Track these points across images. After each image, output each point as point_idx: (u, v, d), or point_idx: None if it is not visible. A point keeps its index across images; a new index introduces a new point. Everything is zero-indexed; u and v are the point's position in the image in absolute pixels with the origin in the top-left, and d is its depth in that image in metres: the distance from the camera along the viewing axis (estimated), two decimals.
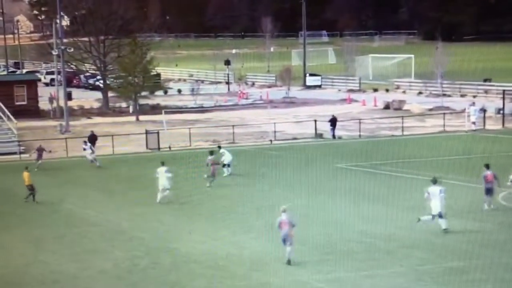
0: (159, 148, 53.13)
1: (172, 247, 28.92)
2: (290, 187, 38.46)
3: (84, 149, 47.62)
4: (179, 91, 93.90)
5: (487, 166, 33.98)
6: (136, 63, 70.73)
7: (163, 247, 29.00)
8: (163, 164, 37.24)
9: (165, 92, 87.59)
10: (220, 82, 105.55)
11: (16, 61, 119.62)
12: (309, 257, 26.94)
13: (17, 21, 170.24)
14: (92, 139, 51.59)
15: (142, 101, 72.76)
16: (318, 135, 56.52)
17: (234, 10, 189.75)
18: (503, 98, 62.19)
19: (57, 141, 54.05)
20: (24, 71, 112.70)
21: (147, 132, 54.95)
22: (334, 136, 55.69)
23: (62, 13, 75.55)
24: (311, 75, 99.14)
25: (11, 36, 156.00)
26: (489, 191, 33.22)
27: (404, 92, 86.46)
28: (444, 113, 62.34)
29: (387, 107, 72.45)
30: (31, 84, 74.41)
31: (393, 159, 44.91)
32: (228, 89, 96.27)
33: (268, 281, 24.73)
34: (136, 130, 59.19)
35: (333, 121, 56.18)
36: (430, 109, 69.60)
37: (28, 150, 53.19)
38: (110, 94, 77.61)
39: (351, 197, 35.83)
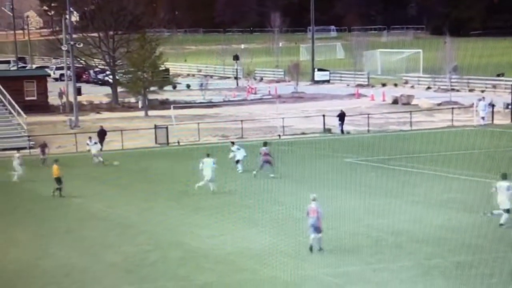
0: (168, 143, 53.35)
1: (181, 241, 29.09)
2: (298, 182, 38.60)
3: (88, 145, 47.32)
4: (188, 86, 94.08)
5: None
6: (145, 58, 70.92)
7: (172, 241, 29.18)
8: (208, 155, 37.73)
9: (174, 87, 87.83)
10: (228, 77, 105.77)
11: (20, 56, 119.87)
12: (317, 251, 27.03)
13: (27, 16, 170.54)
14: (101, 134, 51.88)
15: (151, 96, 73.00)
16: (327, 130, 56.62)
17: (243, 5, 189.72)
18: None
19: (66, 136, 54.30)
20: (34, 66, 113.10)
21: (156, 127, 55.16)
22: (342, 131, 55.77)
23: (71, 9, 75.74)
24: (319, 70, 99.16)
25: (21, 31, 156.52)
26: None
27: (412, 87, 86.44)
28: (452, 108, 62.32)
29: (395, 102, 72.49)
30: (41, 79, 74.73)
31: (401, 154, 45.08)
32: (237, 84, 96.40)
33: (276, 275, 24.86)
34: (145, 125, 59.43)
35: (342, 116, 56.25)
36: (439, 104, 69.61)
37: (38, 145, 53.43)
38: (119, 89, 77.88)
39: (359, 191, 35.95)
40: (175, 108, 64.79)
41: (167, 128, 54.43)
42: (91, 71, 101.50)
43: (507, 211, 29.70)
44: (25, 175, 41.93)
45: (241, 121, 58.05)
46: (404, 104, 70.70)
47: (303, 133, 56.02)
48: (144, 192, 37.91)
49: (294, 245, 27.88)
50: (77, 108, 65.83)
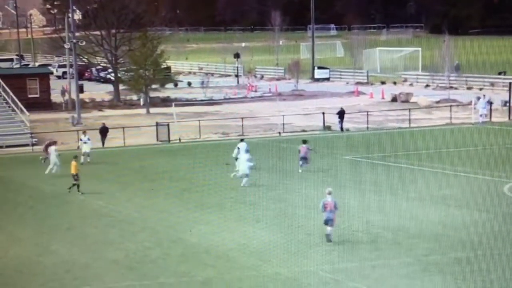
0: (169, 140, 53.64)
1: (182, 238, 29.35)
2: (298, 179, 38.89)
3: (81, 140, 46.76)
4: (189, 84, 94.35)
5: None
6: (147, 56, 71.19)
7: (173, 238, 29.45)
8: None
9: (175, 85, 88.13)
10: (229, 75, 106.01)
11: (18, 54, 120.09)
12: (317, 247, 27.36)
13: (30, 15, 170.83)
14: (103, 131, 52.20)
15: (152, 94, 73.27)
16: (326, 127, 56.92)
17: (244, 4, 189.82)
18: (510, 91, 62.39)
19: (68, 133, 54.62)
20: (37, 64, 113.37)
21: (157, 124, 55.44)
22: (342, 128, 56.08)
23: (74, 7, 76.05)
24: (319, 68, 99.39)
25: (24, 30, 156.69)
26: None
27: (411, 84, 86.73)
28: (450, 106, 62.66)
29: (394, 99, 72.79)
30: (44, 77, 75.03)
31: (400, 151, 45.34)
32: (237, 82, 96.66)
33: (277, 272, 25.10)
34: (146, 123, 59.69)
35: (341, 114, 56.54)
36: (437, 102, 69.88)
37: (41, 142, 53.79)
38: (121, 87, 78.16)
39: (358, 188, 36.24)
40: (176, 105, 65.09)
41: (168, 125, 54.71)
42: (93, 69, 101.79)
43: None
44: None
45: (242, 118, 58.35)
46: (403, 101, 70.99)
47: (303, 131, 56.33)
48: (145, 189, 38.15)
49: (294, 241, 28.16)
50: (80, 105, 66.13)
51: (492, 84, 78.76)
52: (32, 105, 64.94)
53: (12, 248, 28.95)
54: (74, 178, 37.42)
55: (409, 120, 58.08)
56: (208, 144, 52.62)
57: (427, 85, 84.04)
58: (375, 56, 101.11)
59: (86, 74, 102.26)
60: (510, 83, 65.67)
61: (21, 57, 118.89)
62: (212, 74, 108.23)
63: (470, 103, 60.61)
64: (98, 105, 76.37)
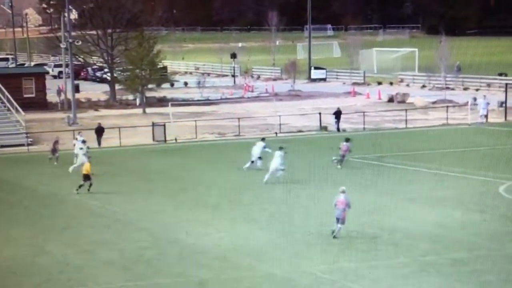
0: (165, 140, 53.55)
1: (178, 238, 29.26)
2: (295, 179, 38.81)
3: (77, 139, 46.37)
4: (186, 84, 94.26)
5: None
6: (143, 56, 71.07)
7: (169, 238, 29.36)
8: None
9: (172, 85, 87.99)
10: (226, 75, 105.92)
11: (8, 54, 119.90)
12: (314, 248, 27.29)
13: (26, 14, 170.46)
14: (99, 131, 52.07)
15: (148, 94, 73.16)
16: (323, 128, 56.87)
17: (240, 3, 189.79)
18: (506, 92, 62.46)
19: (64, 133, 54.46)
20: (33, 63, 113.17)
21: (153, 125, 55.34)
22: (338, 129, 56.02)
23: (70, 7, 75.89)
24: (316, 68, 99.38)
25: (19, 29, 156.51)
26: None
27: (407, 85, 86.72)
28: (447, 106, 62.63)
29: (391, 100, 72.73)
30: (39, 76, 74.87)
31: (397, 152, 45.25)
32: (234, 82, 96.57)
33: (273, 272, 25.02)
34: (142, 123, 59.61)
35: (338, 114, 56.51)
36: (433, 102, 69.86)
37: (36, 142, 53.69)
38: (117, 86, 78.04)
39: (355, 189, 36.11)
40: (172, 105, 64.98)
41: (164, 125, 54.62)
42: (90, 69, 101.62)
43: None
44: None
45: (238, 118, 58.24)
46: (399, 102, 70.95)
47: (299, 131, 56.27)
48: (141, 189, 38.07)
49: (291, 242, 28.10)
50: (75, 105, 65.99)
51: (489, 85, 78.77)
52: (28, 105, 64.77)
53: (6, 248, 28.79)
54: (84, 179, 37.16)
55: (406, 120, 58.02)
56: (205, 144, 52.54)
57: (424, 86, 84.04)
58: (372, 56, 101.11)
59: (82, 74, 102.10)
60: (506, 84, 65.78)
61: (6, 60, 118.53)
62: (209, 74, 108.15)
63: (466, 104, 60.57)
64: (94, 105, 76.24)
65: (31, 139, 53.65)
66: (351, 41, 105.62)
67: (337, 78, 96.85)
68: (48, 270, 26.02)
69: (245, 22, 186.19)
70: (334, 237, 28.04)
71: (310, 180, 38.22)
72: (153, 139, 54.11)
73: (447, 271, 24.61)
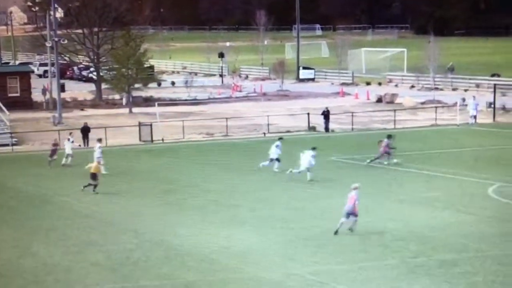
0: (152, 140, 53.23)
1: (165, 239, 28.97)
2: (283, 180, 38.59)
3: (68, 140, 45.98)
4: (173, 83, 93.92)
5: None
6: (130, 55, 70.71)
7: (155, 239, 29.05)
8: (313, 149, 38.40)
9: (159, 84, 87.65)
10: (214, 75, 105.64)
11: None
12: (302, 250, 27.09)
13: (11, 12, 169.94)
14: (85, 130, 51.68)
15: (135, 93, 72.80)
16: (311, 128, 56.68)
17: (228, 3, 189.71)
18: (494, 92, 62.48)
19: (50, 132, 54.04)
20: (17, 62, 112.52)
21: (140, 124, 55.01)
22: (327, 129, 55.85)
23: (56, 5, 75.42)
24: (304, 68, 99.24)
25: (4, 27, 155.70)
26: None
27: (396, 85, 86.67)
28: (436, 107, 62.56)
29: (379, 100, 72.64)
30: (24, 75, 74.38)
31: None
32: (222, 81, 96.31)
33: (261, 275, 24.81)
34: (129, 122, 59.26)
35: (326, 114, 56.37)
36: (422, 103, 69.80)
37: (21, 142, 53.24)
38: (103, 86, 77.62)
39: (344, 190, 35.93)
40: (159, 105, 64.62)
41: (151, 125, 54.30)
42: (75, 68, 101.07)
43: None
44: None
45: (226, 118, 57.98)
46: (388, 102, 70.85)
47: (288, 131, 56.03)
48: (127, 190, 37.76)
49: (279, 244, 27.90)
50: (61, 104, 65.51)
51: (478, 86, 78.74)
52: (13, 104, 64.29)
53: None
54: (92, 178, 36.83)
55: (394, 121, 57.90)
56: (192, 144, 52.24)
57: (412, 86, 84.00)
58: (360, 56, 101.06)
59: (68, 73, 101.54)
60: (494, 84, 65.81)
61: None
62: (196, 74, 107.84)
63: (455, 105, 60.55)
64: (80, 105, 75.81)
65: (15, 139, 53.18)
66: (340, 41, 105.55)
67: (325, 78, 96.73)
68: (34, 271, 25.71)
69: (233, 21, 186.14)
70: (351, 230, 28.60)
71: (299, 181, 38.00)
72: (140, 139, 53.77)
73: (436, 273, 24.48)
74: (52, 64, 74.59)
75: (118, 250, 27.78)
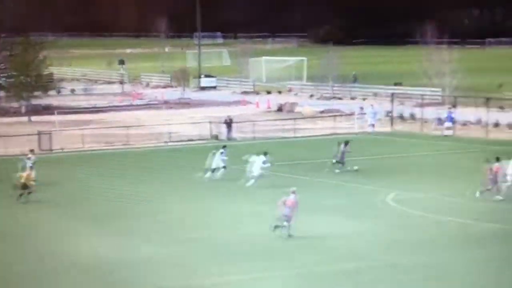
0: (51, 150, 52.36)
1: (55, 251, 28.41)
2: (182, 189, 38.61)
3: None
4: (73, 91, 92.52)
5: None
6: (29, 62, 69.41)
7: (45, 251, 28.45)
8: (265, 154, 38.39)
9: (58, 92, 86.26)
10: (114, 82, 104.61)
11: None
12: (200, 260, 27.04)
13: None
14: None
15: (34, 101, 71.45)
16: (214, 137, 56.80)
17: (129, 10, 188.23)
18: (392, 101, 63.95)
19: None
20: None
21: (39, 133, 54.04)
22: (229, 138, 56.10)
23: None
24: (206, 76, 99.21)
25: None
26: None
27: (296, 94, 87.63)
28: (334, 116, 63.57)
29: (280, 109, 73.31)
30: None
31: (286, 161, 45.37)
32: (123, 89, 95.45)
33: (161, 285, 24.71)
34: (28, 131, 57.95)
35: (229, 123, 56.58)
36: (321, 112, 70.72)
37: None
38: (1, 93, 75.86)
39: (244, 198, 36.28)
40: (59, 113, 63.67)
41: (50, 134, 53.41)
42: None
43: None
44: None
45: (127, 127, 57.48)
46: (288, 111, 71.57)
47: (190, 140, 55.97)
48: (24, 201, 36.93)
49: (177, 254, 27.81)
50: None
51: (375, 94, 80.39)
52: None
53: None
54: (23, 188, 36.09)
55: (294, 129, 58.53)
56: (93, 153, 51.63)
57: (312, 95, 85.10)
58: (261, 65, 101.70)
59: None
60: (392, 93, 67.35)
61: None
62: (96, 81, 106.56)
63: (353, 113, 61.68)
64: None
65: None
66: (240, 49, 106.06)
67: (227, 87, 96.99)
68: None
69: (133, 28, 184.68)
70: (290, 235, 28.73)
71: (197, 191, 38.03)
72: (39, 148, 52.76)
73: (337, 282, 24.83)
74: None
75: (2, 263, 27.04)
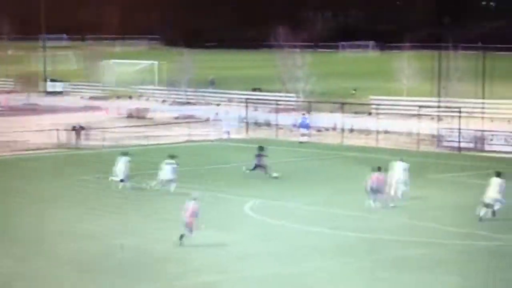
0: None
1: None
2: (30, 201, 36.59)
3: None
4: None
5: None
6: None
7: None
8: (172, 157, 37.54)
9: None
10: None
11: None
12: (65, 276, 25.54)
13: None
14: None
15: None
16: (62, 145, 54.59)
17: None
18: (246, 107, 63.60)
19: None
20: None
21: None
22: (78, 146, 54.14)
23: None
24: (52, 80, 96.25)
25: None
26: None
27: (147, 99, 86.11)
28: (189, 122, 62.50)
29: (130, 115, 71.53)
30: None
31: (144, 170, 43.65)
32: None
33: None
34: None
35: (77, 130, 54.58)
36: (176, 118, 69.60)
37: None
38: None
39: (102, 210, 34.70)
40: None
41: None
42: None
43: None
44: None
45: None
46: (139, 117, 69.91)
47: (37, 148, 53.46)
48: None
49: (41, 268, 26.17)
50: None
51: (230, 100, 79.91)
52: None
53: None
54: None
55: (147, 137, 57.02)
56: None
57: (164, 100, 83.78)
58: (110, 68, 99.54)
59: None
60: (246, 99, 67.05)
61: None
62: None
63: (208, 119, 60.88)
64: None
65: None
66: (88, 52, 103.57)
67: (75, 92, 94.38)
68: None
69: None
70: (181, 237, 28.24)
71: (50, 201, 36.19)
72: None
73: None
74: None
75: None
